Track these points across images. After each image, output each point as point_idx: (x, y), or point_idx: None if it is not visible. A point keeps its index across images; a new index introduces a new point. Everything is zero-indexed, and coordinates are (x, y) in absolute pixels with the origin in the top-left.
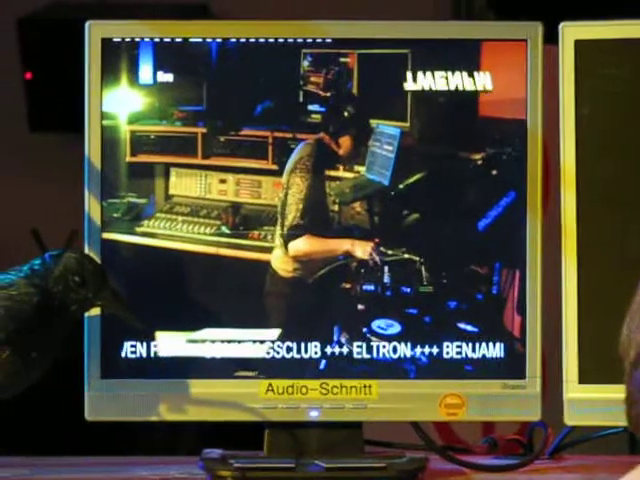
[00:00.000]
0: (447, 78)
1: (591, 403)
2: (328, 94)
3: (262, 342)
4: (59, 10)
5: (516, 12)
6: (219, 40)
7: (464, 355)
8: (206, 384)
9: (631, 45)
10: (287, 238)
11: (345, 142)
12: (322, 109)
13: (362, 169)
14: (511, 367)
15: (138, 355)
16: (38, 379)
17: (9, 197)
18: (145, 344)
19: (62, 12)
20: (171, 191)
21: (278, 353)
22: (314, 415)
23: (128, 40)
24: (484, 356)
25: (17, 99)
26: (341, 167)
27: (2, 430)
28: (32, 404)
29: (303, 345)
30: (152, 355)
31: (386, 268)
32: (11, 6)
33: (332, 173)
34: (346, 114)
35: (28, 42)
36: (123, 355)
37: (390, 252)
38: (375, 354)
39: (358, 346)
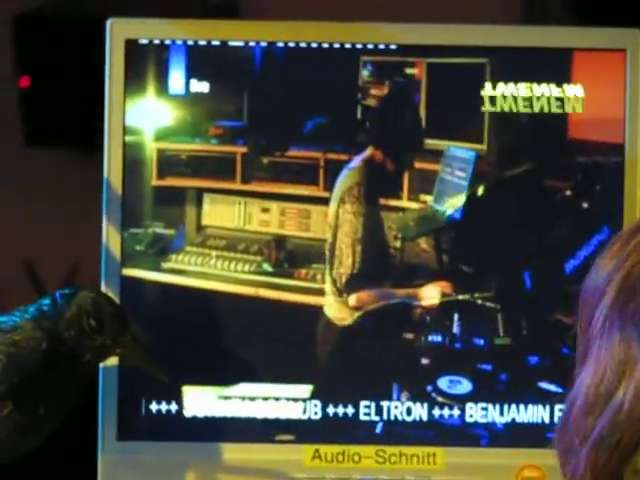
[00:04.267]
0: (531, 93)
1: None
2: (391, 109)
3: (307, 401)
4: (63, 3)
5: (605, 17)
6: (263, 44)
7: (546, 420)
8: (241, 449)
9: None
10: (344, 287)
11: (409, 166)
12: (383, 127)
13: (429, 198)
14: None
15: (161, 413)
16: (45, 440)
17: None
18: (170, 401)
19: (67, 5)
20: (204, 221)
21: (327, 414)
22: None
23: (157, 42)
24: None
25: (10, 108)
26: (404, 196)
27: None
28: (36, 468)
29: (357, 405)
30: (178, 414)
31: (456, 316)
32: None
33: (392, 202)
34: (411, 133)
35: (25, 42)
36: (144, 413)
37: (461, 297)
38: (441, 417)
39: (421, 407)
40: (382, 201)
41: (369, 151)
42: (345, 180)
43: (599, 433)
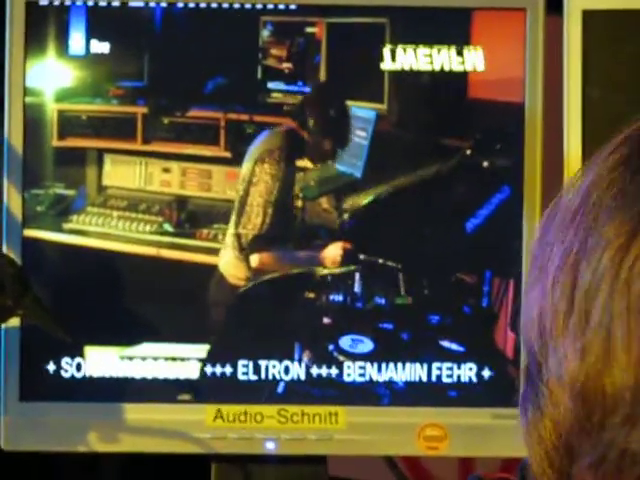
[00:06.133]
0: (431, 53)
1: None
2: (291, 69)
3: (209, 361)
4: None
5: None
6: (164, 4)
7: (447, 379)
8: (143, 409)
9: None
10: (248, 246)
11: (313, 127)
12: (284, 87)
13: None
14: (503, 393)
15: (63, 374)
16: None
17: None
18: (72, 361)
19: None
20: (105, 181)
21: (228, 374)
22: (270, 447)
23: (57, 3)
24: (471, 380)
25: None
26: (307, 157)
27: None
28: None
29: (258, 365)
30: (80, 374)
31: (357, 275)
32: None
33: (299, 163)
34: (313, 93)
35: None
36: (46, 374)
37: (362, 257)
38: (343, 376)
39: (323, 366)
40: (294, 164)
41: (285, 119)
42: (266, 141)
43: None
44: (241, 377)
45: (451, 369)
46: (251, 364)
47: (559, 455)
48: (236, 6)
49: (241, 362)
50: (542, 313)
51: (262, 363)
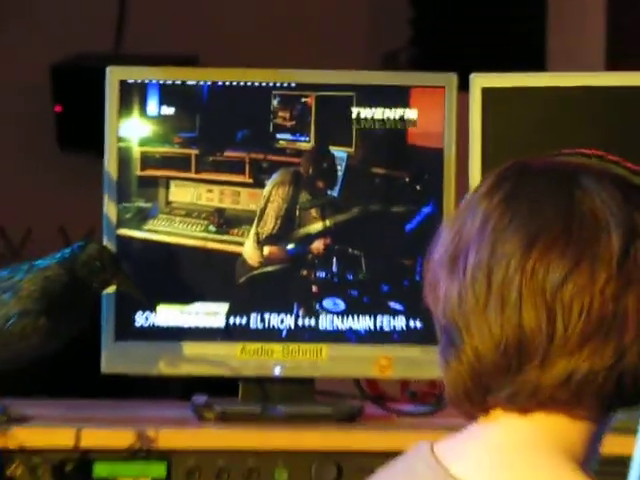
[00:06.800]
0: (383, 115)
1: None
2: (292, 125)
3: (238, 314)
4: (83, 58)
5: (435, 66)
6: (209, 83)
7: (393, 327)
8: (195, 346)
9: (531, 92)
10: (263, 241)
11: (312, 173)
12: (287, 137)
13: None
14: (429, 336)
15: (143, 323)
16: (66, 341)
17: (42, 202)
18: (149, 315)
19: (85, 60)
20: (171, 198)
21: (251, 323)
22: (278, 372)
23: (139, 81)
24: (408, 328)
25: (50, 125)
26: (307, 191)
27: (42, 380)
28: (61, 363)
29: (270, 317)
30: (154, 323)
31: (334, 260)
32: (46, 55)
33: (301, 193)
34: (307, 142)
35: (59, 83)
36: (132, 323)
37: (337, 247)
38: (325, 325)
39: (312, 319)
40: (299, 192)
41: (288, 158)
42: (281, 175)
43: None
44: (259, 325)
45: (395, 321)
46: (265, 316)
47: (475, 390)
48: (256, 84)
49: (258, 315)
50: (461, 298)
51: (272, 316)
